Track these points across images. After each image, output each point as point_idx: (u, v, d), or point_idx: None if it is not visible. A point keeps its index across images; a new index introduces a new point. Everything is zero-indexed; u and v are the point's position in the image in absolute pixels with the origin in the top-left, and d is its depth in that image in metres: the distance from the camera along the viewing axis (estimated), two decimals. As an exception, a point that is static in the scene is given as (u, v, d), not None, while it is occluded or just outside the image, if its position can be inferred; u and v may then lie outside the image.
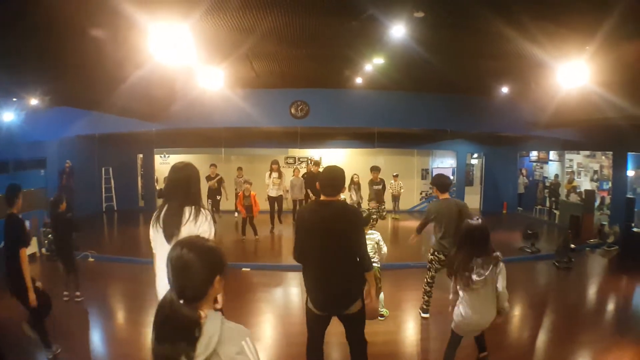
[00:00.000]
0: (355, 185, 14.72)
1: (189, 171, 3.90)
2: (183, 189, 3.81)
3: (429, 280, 6.93)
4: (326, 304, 4.01)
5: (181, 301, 1.92)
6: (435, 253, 6.78)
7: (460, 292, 4.35)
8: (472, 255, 4.22)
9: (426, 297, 6.98)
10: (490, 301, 4.26)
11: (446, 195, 6.74)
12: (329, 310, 4.06)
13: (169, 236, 3.65)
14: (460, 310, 4.36)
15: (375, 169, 14.58)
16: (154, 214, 3.84)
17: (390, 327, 6.69)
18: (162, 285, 3.50)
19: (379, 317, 6.62)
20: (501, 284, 4.20)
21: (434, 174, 19.26)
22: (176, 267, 1.97)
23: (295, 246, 4.08)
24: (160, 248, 3.71)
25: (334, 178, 4.03)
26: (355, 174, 14.83)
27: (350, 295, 3.98)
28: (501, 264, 4.24)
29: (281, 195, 14.09)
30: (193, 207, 3.76)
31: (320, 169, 14.40)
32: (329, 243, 3.87)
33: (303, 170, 16.27)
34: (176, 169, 3.90)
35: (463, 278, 4.22)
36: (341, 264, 3.92)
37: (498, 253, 4.27)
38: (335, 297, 3.96)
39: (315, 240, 3.94)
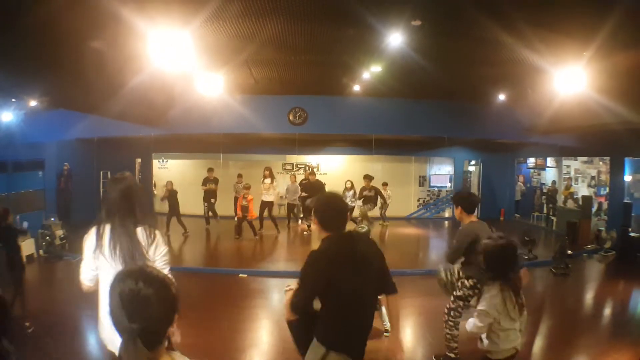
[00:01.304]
0: (349, 191, 14.77)
1: (129, 182, 3.35)
2: (129, 204, 3.27)
3: (454, 318, 5.51)
4: (358, 348, 3.43)
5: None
6: (473, 282, 5.36)
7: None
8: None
9: (454, 344, 5.55)
10: (519, 322, 3.91)
11: (473, 218, 5.63)
12: (357, 356, 3.43)
13: (128, 260, 3.11)
14: (492, 335, 3.88)
15: (367, 177, 14.64)
16: (90, 236, 3.27)
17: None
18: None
19: (384, 333, 6.06)
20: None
21: (432, 180, 19.42)
22: (132, 304, 1.65)
23: (304, 295, 3.37)
24: (109, 276, 3.14)
25: (344, 210, 3.50)
26: (348, 180, 14.92)
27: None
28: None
29: (272, 202, 14.38)
30: (145, 226, 3.30)
31: (313, 177, 14.63)
32: (363, 277, 3.31)
33: (300, 177, 16.52)
34: (115, 181, 3.36)
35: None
36: (373, 302, 3.59)
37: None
38: (364, 338, 3.44)
39: (348, 277, 3.28)
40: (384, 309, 6.17)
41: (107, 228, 3.21)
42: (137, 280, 1.68)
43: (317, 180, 15.02)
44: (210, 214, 15.21)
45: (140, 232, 3.24)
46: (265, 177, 14.20)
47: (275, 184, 14.52)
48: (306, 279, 3.38)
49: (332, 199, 3.61)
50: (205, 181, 14.80)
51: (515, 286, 3.83)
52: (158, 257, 3.30)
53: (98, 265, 3.23)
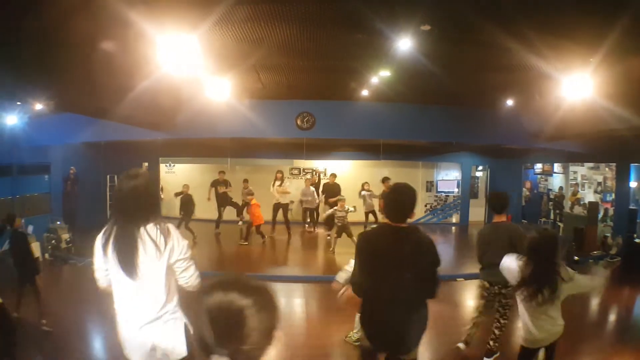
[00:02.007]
0: (367, 192, 14.78)
1: (144, 179, 3.09)
2: (140, 203, 3.02)
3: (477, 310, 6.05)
4: (387, 341, 3.53)
5: None
6: (485, 284, 5.87)
7: (527, 306, 4.02)
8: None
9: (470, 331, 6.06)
10: (559, 313, 4.07)
11: (501, 218, 5.78)
12: (389, 348, 3.61)
13: (129, 267, 2.94)
14: (528, 326, 4.06)
15: (386, 180, 14.63)
16: (100, 237, 3.09)
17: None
18: (130, 337, 3.04)
19: None
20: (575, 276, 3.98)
21: (440, 186, 19.39)
22: (222, 322, 1.36)
23: (355, 275, 3.59)
24: (118, 283, 3.02)
25: (403, 202, 3.47)
26: (366, 182, 14.92)
27: (414, 337, 3.59)
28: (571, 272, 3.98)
29: (287, 204, 14.76)
30: (157, 225, 3.03)
31: (333, 179, 14.80)
32: (401, 273, 3.35)
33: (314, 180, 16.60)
34: (130, 177, 3.06)
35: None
36: (411, 299, 3.47)
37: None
38: (398, 334, 3.48)
39: (384, 269, 3.41)
40: None
41: (114, 229, 3.03)
42: (227, 290, 1.40)
43: (336, 183, 15.14)
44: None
45: (151, 229, 2.99)
46: (276, 179, 14.60)
47: (288, 184, 14.73)
48: (355, 258, 3.57)
49: (398, 188, 3.61)
50: (215, 183, 14.89)
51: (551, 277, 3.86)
52: (178, 254, 3.05)
53: (108, 267, 3.06)
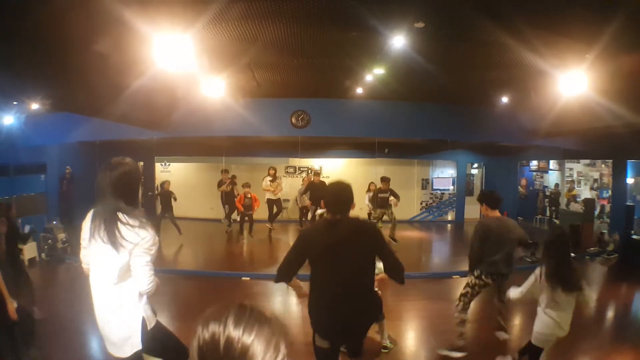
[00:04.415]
0: (372, 192, 14.71)
1: (127, 168, 3.24)
2: (126, 189, 3.17)
3: (463, 307, 6.00)
4: (337, 331, 3.62)
5: None
6: (482, 276, 5.86)
7: (546, 303, 4.35)
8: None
9: (461, 328, 6.02)
10: (571, 310, 4.35)
11: (497, 213, 5.91)
12: (340, 339, 3.73)
13: (112, 239, 3.01)
14: (545, 321, 4.35)
15: (384, 179, 14.57)
16: (88, 222, 3.22)
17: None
18: (99, 320, 3.17)
19: (382, 350, 6.01)
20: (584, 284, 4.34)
21: (435, 183, 19.40)
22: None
23: (282, 264, 3.65)
24: (98, 265, 3.16)
25: (338, 194, 3.68)
26: (372, 182, 14.88)
27: (359, 326, 3.70)
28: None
29: (279, 200, 14.84)
30: (135, 215, 3.12)
31: (322, 179, 14.77)
32: (343, 266, 3.49)
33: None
34: (119, 164, 3.23)
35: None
36: (357, 288, 3.60)
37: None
38: (350, 323, 3.60)
39: (325, 263, 3.57)
40: (384, 322, 6.10)
41: (92, 213, 3.19)
42: (224, 322, 1.19)
43: (322, 181, 15.09)
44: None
45: (129, 217, 3.08)
46: (269, 175, 14.69)
47: (278, 180, 14.90)
48: (291, 248, 3.69)
49: (335, 185, 3.80)
50: (220, 184, 14.89)
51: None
52: (139, 243, 3.06)
53: (89, 250, 3.21)
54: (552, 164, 18.34)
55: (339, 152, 18.46)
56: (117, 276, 3.07)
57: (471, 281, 5.95)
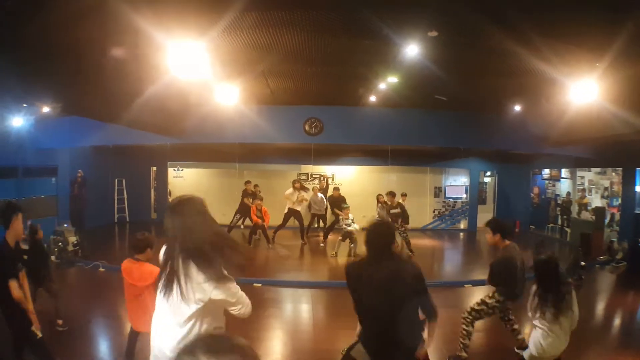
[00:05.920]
0: (382, 204, 14.65)
1: (196, 206, 2.89)
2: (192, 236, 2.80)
3: (472, 321, 6.08)
4: (378, 347, 3.67)
5: None
6: (506, 301, 5.94)
7: (540, 323, 4.40)
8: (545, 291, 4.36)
9: (467, 340, 6.11)
10: (568, 329, 4.41)
11: (508, 242, 5.89)
12: (381, 353, 3.69)
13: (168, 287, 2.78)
14: (539, 341, 4.38)
15: (391, 194, 14.52)
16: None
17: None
18: (159, 345, 2.86)
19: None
20: (575, 307, 4.43)
21: (448, 191, 19.33)
22: None
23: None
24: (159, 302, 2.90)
25: (380, 234, 3.67)
26: (380, 194, 14.82)
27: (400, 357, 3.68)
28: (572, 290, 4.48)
29: (299, 211, 14.52)
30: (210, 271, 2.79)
31: (338, 193, 14.72)
32: (378, 300, 3.51)
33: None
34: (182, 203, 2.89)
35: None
36: (391, 323, 3.50)
37: (569, 279, 4.46)
38: (383, 341, 3.64)
39: (364, 295, 3.64)
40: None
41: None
42: (195, 352, 1.15)
43: (340, 195, 15.00)
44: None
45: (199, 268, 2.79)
46: (295, 188, 14.33)
47: (304, 193, 14.71)
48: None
49: (378, 225, 3.84)
50: (245, 194, 14.84)
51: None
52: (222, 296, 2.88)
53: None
54: (564, 172, 18.24)
55: (351, 160, 18.46)
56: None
57: (491, 302, 5.97)
